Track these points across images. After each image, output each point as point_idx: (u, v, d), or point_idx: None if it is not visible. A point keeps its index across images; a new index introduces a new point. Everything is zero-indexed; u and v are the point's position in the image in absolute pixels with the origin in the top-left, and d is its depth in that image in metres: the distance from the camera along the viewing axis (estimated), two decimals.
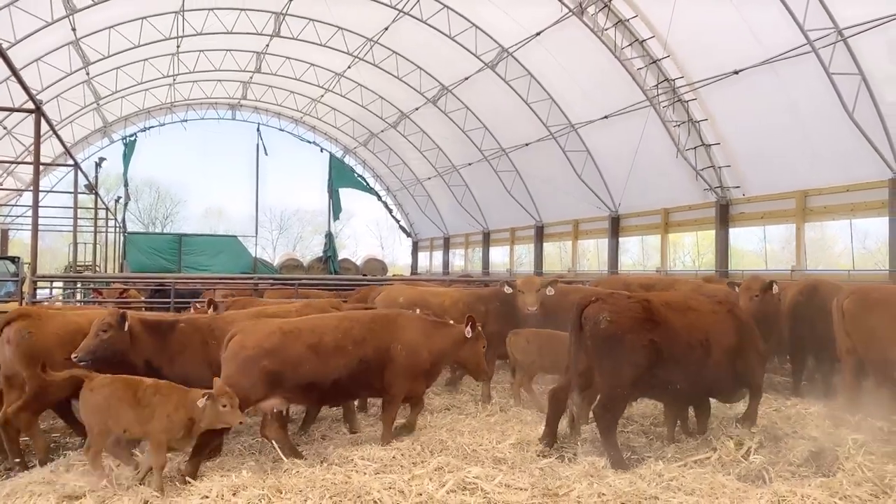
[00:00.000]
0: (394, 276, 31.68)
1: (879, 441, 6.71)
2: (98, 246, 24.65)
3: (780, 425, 7.18)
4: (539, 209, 32.38)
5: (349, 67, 32.65)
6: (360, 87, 35.03)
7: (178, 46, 29.73)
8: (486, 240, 38.44)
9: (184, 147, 51.98)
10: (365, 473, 5.53)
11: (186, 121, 41.85)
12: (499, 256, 38.67)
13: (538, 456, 6.35)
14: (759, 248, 24.96)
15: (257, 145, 33.42)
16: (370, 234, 63.63)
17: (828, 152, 18.24)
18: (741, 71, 18.81)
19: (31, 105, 11.01)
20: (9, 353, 6.31)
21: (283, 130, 44.35)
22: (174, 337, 6.66)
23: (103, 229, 25.36)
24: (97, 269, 24.49)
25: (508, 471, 5.73)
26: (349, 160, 44.09)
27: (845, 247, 21.56)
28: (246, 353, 6.24)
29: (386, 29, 27.73)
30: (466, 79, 28.59)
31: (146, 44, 27.91)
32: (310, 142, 45.04)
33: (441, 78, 30.30)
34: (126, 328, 6.38)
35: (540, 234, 33.10)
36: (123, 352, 6.42)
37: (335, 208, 31.51)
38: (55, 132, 14.56)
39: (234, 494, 5.06)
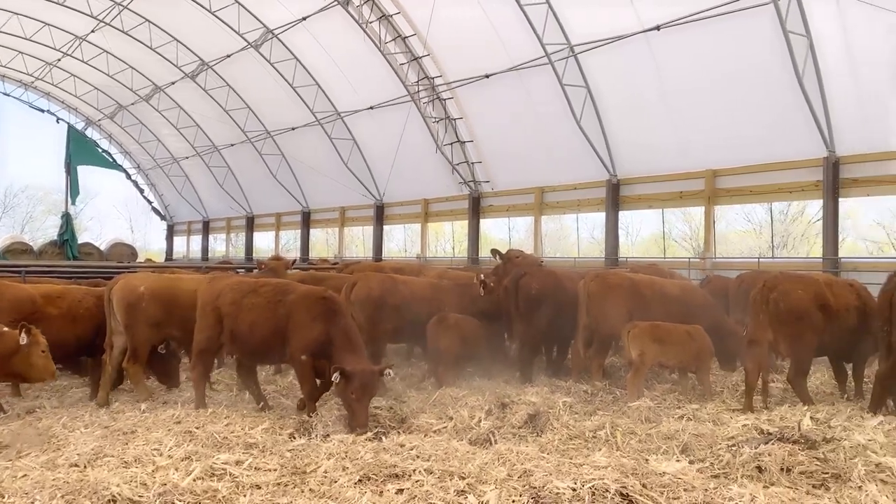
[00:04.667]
0: (146, 260, 29.32)
1: (583, 402, 8.01)
2: None
3: (508, 393, 8.17)
4: (306, 195, 32.22)
5: (93, 31, 29.48)
6: (107, 55, 31.80)
7: None
8: (251, 224, 37.28)
9: None
10: (105, 469, 5.27)
11: None
12: (264, 242, 37.75)
13: (290, 438, 6.53)
14: (507, 238, 27.57)
15: None
16: (118, 216, 57.54)
17: (561, 154, 20.72)
18: (492, 75, 20.55)
19: None
20: None
21: (8, 95, 38.69)
22: None
23: None
24: None
25: (259, 454, 5.84)
26: (92, 133, 39.84)
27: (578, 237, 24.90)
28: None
29: None
30: (229, 56, 27.42)
31: None
32: (43, 110, 39.78)
33: (201, 53, 28.66)
34: None
35: (307, 220, 32.97)
36: None
37: (73, 189, 28.01)
38: None
39: None
